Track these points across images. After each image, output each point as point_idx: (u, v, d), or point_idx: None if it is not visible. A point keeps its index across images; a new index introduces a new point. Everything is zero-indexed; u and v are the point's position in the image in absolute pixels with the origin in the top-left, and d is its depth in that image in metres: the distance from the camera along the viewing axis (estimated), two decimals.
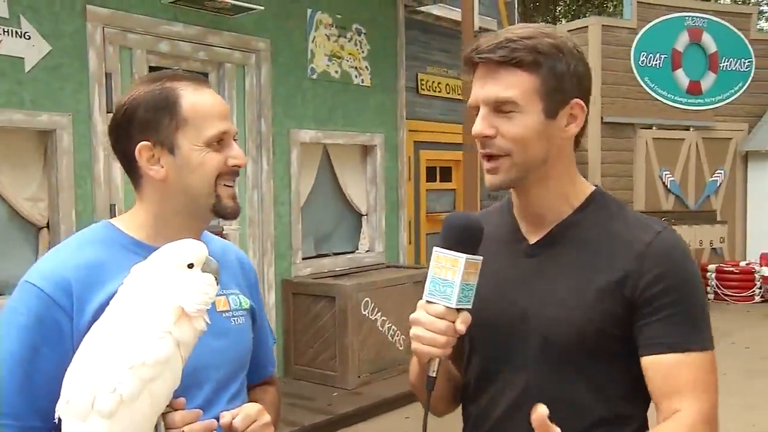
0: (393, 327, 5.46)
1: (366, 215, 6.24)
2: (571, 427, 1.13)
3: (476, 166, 5.77)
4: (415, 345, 1.15)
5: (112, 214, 4.25)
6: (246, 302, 1.39)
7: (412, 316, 1.16)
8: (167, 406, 1.07)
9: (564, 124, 1.21)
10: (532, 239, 1.28)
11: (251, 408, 1.23)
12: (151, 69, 4.50)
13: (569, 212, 1.26)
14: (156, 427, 1.06)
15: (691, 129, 9.43)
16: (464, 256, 1.11)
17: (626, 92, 9.08)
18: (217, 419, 1.19)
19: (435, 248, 1.14)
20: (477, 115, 1.22)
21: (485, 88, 1.19)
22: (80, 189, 4.15)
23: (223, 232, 4.61)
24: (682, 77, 9.37)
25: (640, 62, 9.12)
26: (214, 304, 1.26)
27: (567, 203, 1.26)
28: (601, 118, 8.94)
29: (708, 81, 9.51)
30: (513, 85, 1.17)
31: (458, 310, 1.12)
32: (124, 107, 1.26)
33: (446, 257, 1.12)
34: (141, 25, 4.42)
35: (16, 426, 1.14)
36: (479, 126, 1.20)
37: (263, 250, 5.24)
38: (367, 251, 6.21)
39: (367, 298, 5.23)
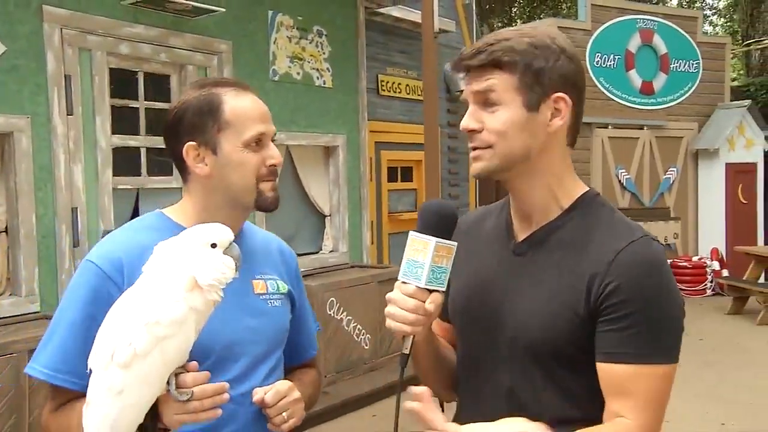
0: (358, 326, 5.50)
1: (329, 216, 6.26)
2: (543, 422, 1.17)
3: (437, 166, 5.84)
4: (388, 322, 1.23)
5: (74, 218, 4.20)
6: (284, 287, 1.52)
7: (388, 295, 1.24)
8: (181, 368, 1.18)
9: (548, 118, 1.24)
10: (521, 237, 1.31)
11: (282, 385, 1.39)
12: (111, 71, 4.45)
13: (557, 213, 1.28)
14: (168, 384, 1.16)
15: (645, 128, 9.68)
16: (434, 239, 1.19)
17: None
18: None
19: (410, 232, 1.23)
20: None
21: (471, 85, 1.26)
22: (41, 192, 4.08)
23: None
24: (636, 78, 9.62)
25: (595, 63, 9.33)
26: (252, 286, 1.44)
27: (555, 204, 1.28)
28: None
29: (660, 81, 9.78)
30: (493, 83, 1.23)
31: (430, 291, 1.21)
32: (175, 111, 1.41)
33: (419, 240, 1.21)
34: (101, 26, 4.37)
35: (78, 384, 1.27)
36: (466, 121, 1.26)
37: None
38: (331, 251, 6.23)
39: (332, 298, 5.26)
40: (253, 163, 1.39)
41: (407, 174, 8.35)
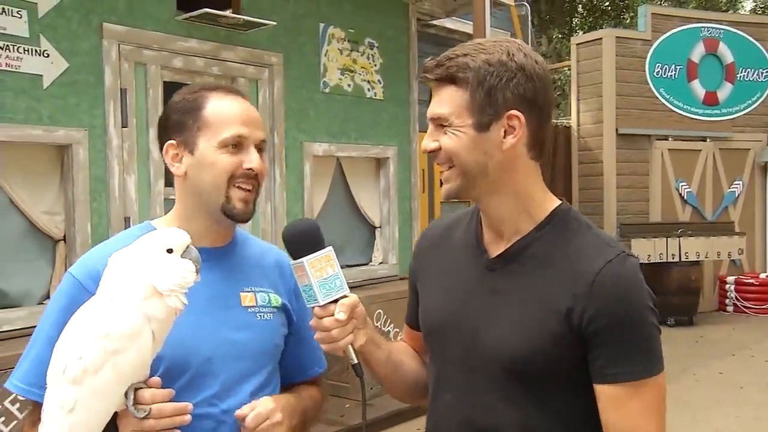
0: None
1: (379, 227, 6.26)
2: None
3: None
4: (323, 347, 1.28)
5: (127, 227, 4.31)
6: (277, 300, 1.45)
7: (309, 323, 1.28)
8: (143, 382, 1.14)
9: (501, 136, 1.23)
10: (493, 252, 1.30)
11: (263, 406, 1.31)
12: (165, 84, 4.58)
13: (529, 228, 1.27)
14: (126, 398, 1.13)
15: (708, 140, 9.36)
16: (304, 260, 1.23)
17: (641, 103, 9.05)
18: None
19: (290, 263, 1.27)
20: None
21: (430, 107, 1.28)
22: (95, 203, 4.22)
23: None
24: (698, 88, 9.32)
25: (654, 73, 9.08)
26: (240, 298, 1.38)
27: (527, 219, 1.28)
28: (616, 130, 8.91)
29: (725, 91, 9.44)
30: (445, 101, 1.24)
31: (336, 301, 1.25)
32: (163, 113, 1.41)
33: (296, 267, 1.25)
34: (155, 41, 4.50)
35: None
36: (425, 142, 1.29)
37: None
38: (381, 263, 6.23)
39: (380, 310, 5.25)
40: (226, 164, 1.34)
41: None
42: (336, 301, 1.25)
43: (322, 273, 1.23)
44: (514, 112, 1.22)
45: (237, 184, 1.35)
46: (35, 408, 1.30)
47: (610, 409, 1.20)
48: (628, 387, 1.18)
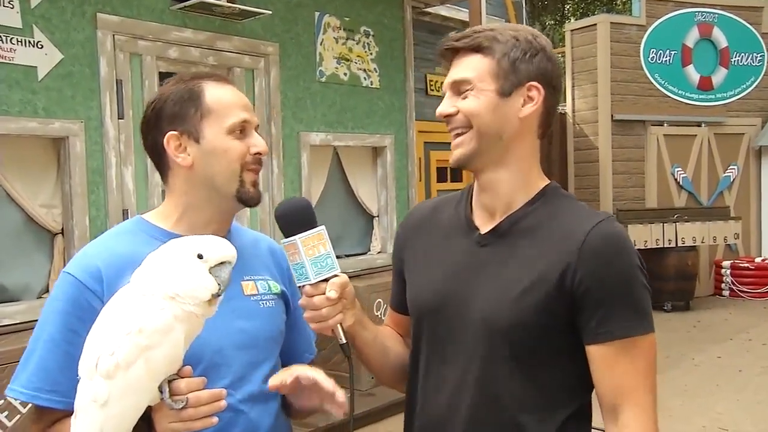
0: None
1: (377, 216, 6.25)
2: (506, 415, 1.26)
3: None
4: (311, 326, 1.29)
5: (125, 219, 4.28)
6: (276, 287, 1.46)
7: (299, 302, 1.29)
8: (175, 374, 1.13)
9: (520, 104, 1.29)
10: (484, 229, 1.34)
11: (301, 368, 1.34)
12: (161, 75, 4.54)
13: (521, 204, 1.33)
14: (162, 391, 1.12)
15: (703, 125, 9.37)
16: (296, 237, 1.23)
17: (636, 89, 9.04)
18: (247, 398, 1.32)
19: (282, 241, 1.27)
20: None
21: (451, 72, 1.33)
22: (93, 195, 4.19)
23: None
24: (693, 73, 9.31)
25: (649, 59, 9.08)
26: (241, 288, 1.38)
27: (520, 195, 1.33)
28: (612, 116, 8.91)
29: (719, 76, 9.44)
30: (470, 67, 1.30)
31: (327, 280, 1.25)
32: (153, 104, 1.35)
33: (287, 245, 1.25)
34: (150, 31, 4.46)
35: (64, 402, 1.22)
36: (442, 107, 1.33)
37: None
38: (379, 252, 6.22)
39: (380, 299, 5.24)
40: (238, 150, 1.33)
41: (457, 174, 8.28)
42: (326, 280, 1.26)
43: (314, 251, 1.23)
44: (534, 83, 1.29)
45: (248, 168, 1.36)
46: (42, 415, 1.27)
47: (602, 368, 1.24)
48: (618, 346, 1.22)
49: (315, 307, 1.26)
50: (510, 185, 1.32)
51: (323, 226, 1.26)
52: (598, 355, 1.23)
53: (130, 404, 1.10)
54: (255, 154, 1.36)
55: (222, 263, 1.14)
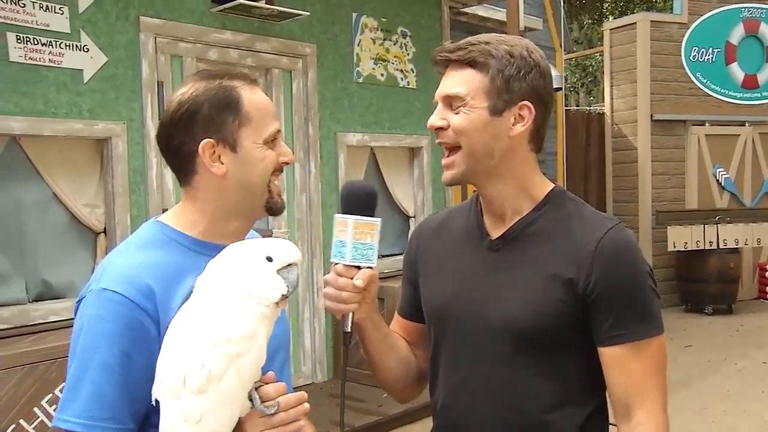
0: None
1: (413, 217, 6.24)
2: (529, 414, 1.29)
3: None
4: (326, 303, 1.30)
5: None
6: None
7: (324, 277, 1.30)
8: (258, 381, 1.12)
9: (510, 123, 1.31)
10: (495, 234, 1.38)
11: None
12: None
13: (529, 209, 1.36)
14: (251, 400, 1.10)
15: (747, 124, 9.14)
16: (352, 217, 1.25)
17: (677, 89, 8.87)
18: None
19: (335, 215, 1.28)
20: None
21: (442, 86, 1.34)
22: (134, 195, 4.27)
23: (273, 235, 4.67)
24: (737, 71, 9.09)
25: (691, 57, 8.89)
26: None
27: (526, 201, 1.36)
28: (651, 116, 8.75)
29: (766, 74, 9.19)
30: (463, 82, 1.30)
31: (358, 268, 1.26)
32: (187, 105, 1.26)
33: (339, 221, 1.27)
34: (191, 33, 4.53)
35: (120, 429, 1.16)
36: (432, 118, 1.34)
37: (312, 253, 5.30)
38: None
39: None
40: (272, 159, 1.30)
41: None
42: (358, 268, 1.27)
43: (361, 237, 1.25)
44: (526, 102, 1.31)
45: (274, 180, 1.34)
46: None
47: (613, 369, 1.28)
48: (629, 348, 1.26)
49: (339, 287, 1.27)
50: (511, 195, 1.35)
51: (379, 220, 1.27)
52: (609, 356, 1.28)
53: (225, 417, 1.07)
54: (284, 162, 1.34)
55: (289, 265, 1.14)
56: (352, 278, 1.26)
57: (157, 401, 1.09)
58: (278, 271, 1.12)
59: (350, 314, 1.30)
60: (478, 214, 1.42)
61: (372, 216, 1.27)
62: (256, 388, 1.11)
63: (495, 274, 1.34)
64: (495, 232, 1.37)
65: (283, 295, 1.13)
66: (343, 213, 1.27)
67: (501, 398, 1.31)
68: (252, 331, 1.08)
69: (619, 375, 1.27)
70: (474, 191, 1.47)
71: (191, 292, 1.16)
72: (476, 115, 1.29)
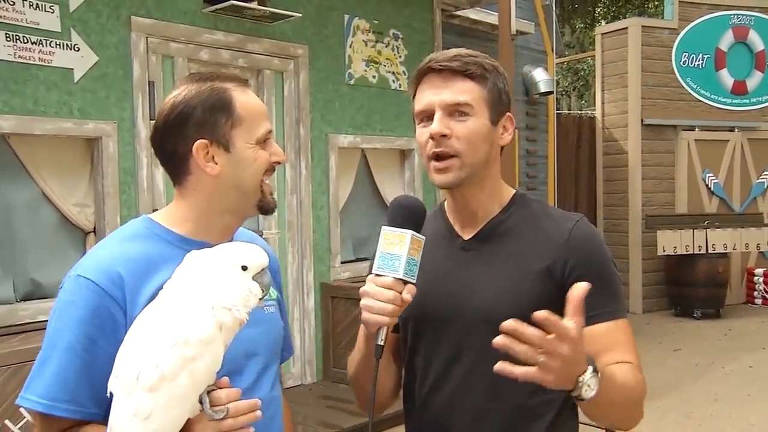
0: None
1: None
2: (509, 399, 1.34)
3: (514, 169, 5.75)
4: (365, 315, 1.27)
5: None
6: (274, 293, 1.47)
7: (362, 289, 1.28)
8: (212, 385, 1.13)
9: (500, 133, 1.42)
10: (467, 236, 1.44)
11: None
12: None
13: (497, 211, 1.44)
14: (202, 404, 1.12)
15: (736, 130, 9.21)
16: (410, 232, 1.26)
17: (667, 94, 8.93)
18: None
19: (383, 227, 1.28)
20: (421, 122, 1.40)
21: (441, 95, 1.36)
22: (125, 195, 4.26)
23: (263, 236, 4.67)
24: (727, 77, 9.17)
25: (681, 63, 8.95)
26: None
27: (496, 203, 1.45)
28: (642, 120, 8.81)
29: (754, 80, 9.28)
30: (466, 91, 1.35)
31: (405, 282, 1.26)
32: (181, 107, 1.29)
33: (394, 234, 1.26)
34: (182, 34, 4.52)
35: (79, 412, 1.20)
36: (437, 126, 1.35)
37: (302, 254, 5.30)
38: None
39: None
40: (264, 160, 1.33)
41: None
42: (405, 283, 1.27)
43: (414, 254, 1.26)
44: (509, 113, 1.42)
45: (266, 179, 1.35)
46: (50, 424, 1.22)
47: (590, 347, 1.30)
48: (606, 327, 1.35)
49: (386, 300, 1.24)
50: (487, 197, 1.43)
51: (425, 238, 1.28)
52: (587, 336, 1.30)
53: (173, 417, 1.09)
54: (274, 162, 1.36)
55: (262, 269, 1.17)
56: (400, 292, 1.25)
57: (111, 394, 1.12)
58: (253, 277, 1.16)
59: (385, 327, 1.28)
60: (446, 219, 1.48)
61: (419, 231, 1.28)
62: (209, 392, 1.13)
63: (470, 269, 1.40)
64: (466, 234, 1.44)
65: (259, 299, 1.17)
66: (397, 227, 1.26)
67: (485, 388, 1.35)
68: (211, 337, 1.10)
69: (596, 347, 1.31)
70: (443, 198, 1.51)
71: (163, 284, 1.18)
72: (481, 125, 1.36)
